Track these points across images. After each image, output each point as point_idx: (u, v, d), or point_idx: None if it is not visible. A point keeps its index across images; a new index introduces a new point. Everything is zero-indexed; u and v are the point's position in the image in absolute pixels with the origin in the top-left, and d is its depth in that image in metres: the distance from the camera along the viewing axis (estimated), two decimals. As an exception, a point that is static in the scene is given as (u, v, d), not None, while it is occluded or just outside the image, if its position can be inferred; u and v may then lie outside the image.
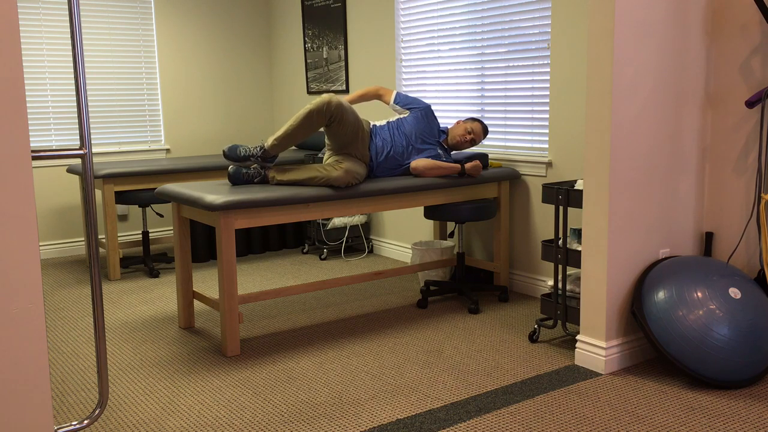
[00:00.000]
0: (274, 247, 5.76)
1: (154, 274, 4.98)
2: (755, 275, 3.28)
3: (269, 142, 3.70)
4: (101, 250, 5.81)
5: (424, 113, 4.13)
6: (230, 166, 3.76)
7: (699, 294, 2.98)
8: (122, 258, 5.20)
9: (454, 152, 4.40)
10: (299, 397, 2.96)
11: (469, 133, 4.14)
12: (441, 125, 4.39)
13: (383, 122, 4.07)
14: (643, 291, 3.12)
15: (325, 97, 3.65)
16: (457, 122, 4.21)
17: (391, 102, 4.20)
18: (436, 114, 4.88)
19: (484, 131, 4.21)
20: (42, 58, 5.48)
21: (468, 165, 4.05)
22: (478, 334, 3.66)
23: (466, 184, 4.09)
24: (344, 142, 3.81)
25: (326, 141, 3.93)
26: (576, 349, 3.26)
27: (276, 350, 3.52)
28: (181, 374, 3.24)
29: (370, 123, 4.02)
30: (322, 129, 5.30)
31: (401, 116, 4.13)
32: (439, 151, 4.11)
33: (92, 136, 5.78)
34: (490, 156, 4.51)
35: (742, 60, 3.26)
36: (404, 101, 4.19)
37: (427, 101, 4.94)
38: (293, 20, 6.22)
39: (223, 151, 3.69)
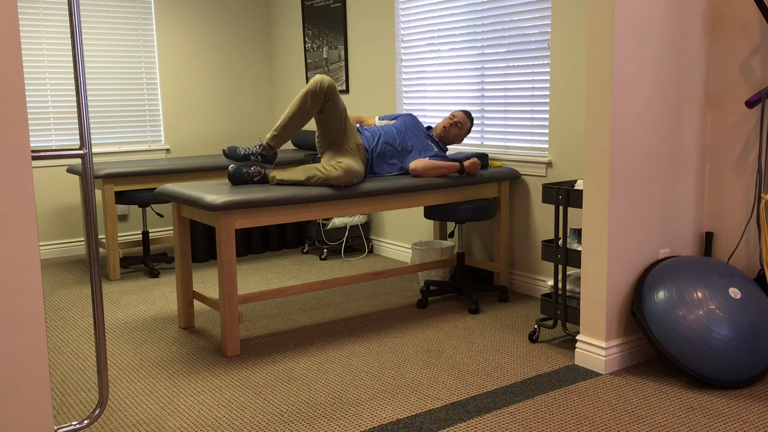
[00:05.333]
0: (274, 247, 5.76)
1: (154, 274, 4.98)
2: (755, 275, 3.28)
3: (268, 135, 3.76)
4: (101, 250, 5.81)
5: (408, 116, 4.34)
6: (230, 166, 3.76)
7: (699, 294, 2.98)
8: (122, 258, 5.20)
9: (454, 153, 4.41)
10: (299, 397, 2.96)
11: (452, 117, 4.21)
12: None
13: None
14: (643, 291, 3.12)
15: (317, 77, 3.73)
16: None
17: (376, 120, 4.44)
18: (437, 113, 4.91)
19: (468, 117, 4.27)
20: (42, 58, 5.48)
21: (467, 163, 4.06)
22: (478, 334, 3.66)
23: (465, 183, 4.09)
24: (336, 131, 3.85)
25: (317, 141, 3.93)
26: (576, 349, 3.26)
27: (276, 350, 3.52)
28: (181, 374, 3.24)
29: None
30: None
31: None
32: (434, 148, 4.14)
33: (92, 136, 5.78)
34: (490, 156, 4.51)
35: (742, 60, 3.26)
36: (388, 117, 4.43)
37: (427, 101, 4.97)
38: (293, 20, 6.21)
39: (223, 150, 3.72)
